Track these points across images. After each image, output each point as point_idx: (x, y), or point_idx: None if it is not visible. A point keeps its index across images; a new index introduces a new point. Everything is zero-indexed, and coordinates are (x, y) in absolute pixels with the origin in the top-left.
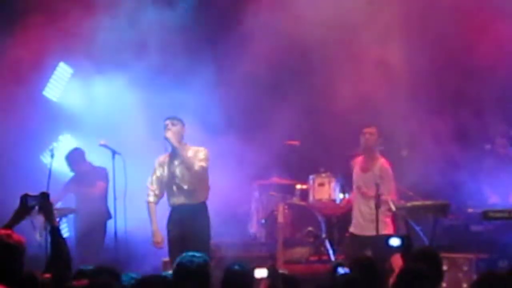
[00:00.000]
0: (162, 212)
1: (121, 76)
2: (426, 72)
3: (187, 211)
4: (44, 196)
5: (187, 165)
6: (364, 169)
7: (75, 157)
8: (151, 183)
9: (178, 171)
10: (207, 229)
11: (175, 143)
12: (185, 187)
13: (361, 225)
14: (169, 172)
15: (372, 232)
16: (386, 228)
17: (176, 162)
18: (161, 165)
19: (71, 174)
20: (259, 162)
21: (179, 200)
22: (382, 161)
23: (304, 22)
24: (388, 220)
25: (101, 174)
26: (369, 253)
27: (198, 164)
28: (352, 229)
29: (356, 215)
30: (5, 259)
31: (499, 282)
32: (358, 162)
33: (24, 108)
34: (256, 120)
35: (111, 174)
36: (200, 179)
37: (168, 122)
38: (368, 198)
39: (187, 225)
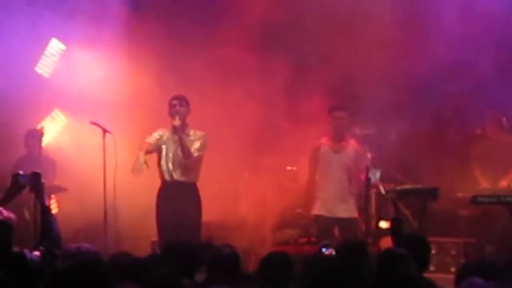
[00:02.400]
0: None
1: (113, 52)
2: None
3: (181, 189)
4: (36, 176)
5: (186, 155)
6: (337, 151)
7: None
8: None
9: (176, 150)
10: (199, 208)
11: (181, 134)
12: (181, 166)
13: (327, 207)
14: (170, 148)
15: (343, 214)
16: (355, 211)
17: (176, 141)
18: (162, 137)
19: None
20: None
21: (174, 176)
22: (354, 143)
23: None
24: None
25: None
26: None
27: (195, 153)
28: (319, 211)
29: (324, 196)
30: None
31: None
32: (325, 143)
33: (15, 84)
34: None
35: (101, 153)
36: (197, 161)
37: (175, 102)
38: (344, 179)
39: (182, 203)
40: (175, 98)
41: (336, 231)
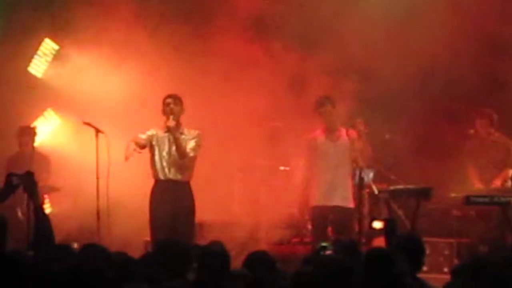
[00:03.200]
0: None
1: (106, 53)
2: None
3: (175, 188)
4: (29, 176)
5: (181, 155)
6: (333, 140)
7: None
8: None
9: (170, 148)
10: (193, 207)
11: (176, 134)
12: (175, 164)
13: (324, 194)
14: (163, 147)
15: (339, 202)
16: (352, 202)
17: (170, 140)
18: (154, 136)
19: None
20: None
21: (168, 175)
22: (347, 131)
23: None
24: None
25: None
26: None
27: (190, 153)
28: (315, 203)
29: (320, 184)
30: None
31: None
32: (321, 134)
33: (8, 84)
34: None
35: (94, 153)
36: (191, 161)
37: (170, 100)
38: (339, 168)
39: (175, 202)
40: (169, 96)
41: (329, 229)
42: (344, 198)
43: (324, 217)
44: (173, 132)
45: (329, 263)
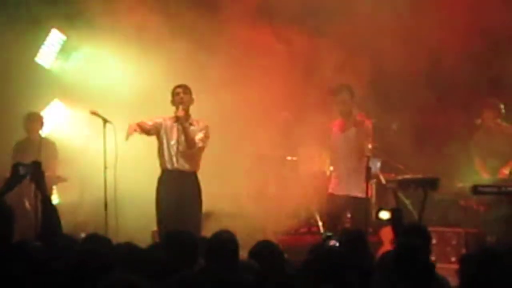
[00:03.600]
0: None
1: (114, 43)
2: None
3: (182, 178)
4: (36, 165)
5: (189, 145)
6: (343, 130)
7: None
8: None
9: (179, 138)
10: (200, 197)
11: (186, 124)
12: (183, 154)
13: (337, 184)
14: (171, 136)
15: (356, 193)
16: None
17: (179, 130)
18: (162, 124)
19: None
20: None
21: (175, 165)
22: (357, 117)
23: None
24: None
25: None
26: (348, 214)
27: (198, 143)
28: (331, 190)
29: (337, 175)
30: None
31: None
32: (336, 124)
33: (16, 74)
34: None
35: (101, 143)
36: (199, 152)
37: (180, 90)
38: (354, 157)
39: (183, 192)
40: (179, 86)
41: (347, 214)
42: (358, 188)
43: (337, 206)
44: (183, 121)
45: (326, 254)
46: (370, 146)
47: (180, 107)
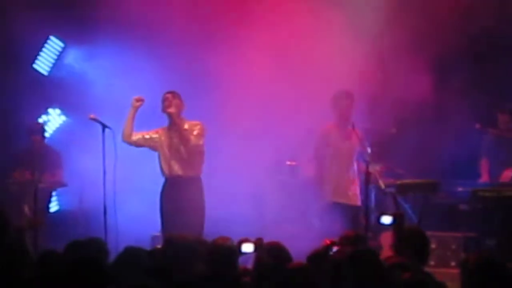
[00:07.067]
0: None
1: (112, 50)
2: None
3: (182, 183)
4: None
5: (184, 141)
6: (343, 138)
7: None
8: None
9: (175, 143)
10: (202, 202)
11: (177, 119)
12: (181, 159)
13: (333, 191)
14: (166, 144)
15: (346, 200)
16: (359, 199)
17: (174, 135)
18: (158, 133)
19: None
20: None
21: (175, 171)
22: (356, 130)
23: None
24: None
25: None
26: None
27: (193, 140)
28: (325, 198)
29: (329, 181)
30: None
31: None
32: (332, 130)
33: (13, 81)
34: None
35: (101, 149)
36: (196, 153)
37: (169, 95)
38: (349, 165)
39: (182, 197)
40: (168, 92)
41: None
42: (354, 196)
43: (332, 213)
44: (174, 117)
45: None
46: (369, 150)
47: (172, 107)
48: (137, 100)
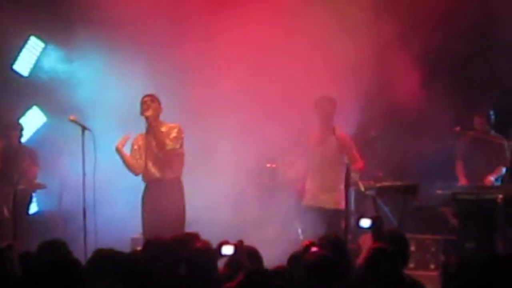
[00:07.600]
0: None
1: (94, 50)
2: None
3: (162, 187)
4: None
5: (160, 146)
6: (322, 140)
7: None
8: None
9: (153, 147)
10: (182, 204)
11: (154, 123)
12: (160, 162)
13: (316, 196)
14: (145, 148)
15: (329, 206)
16: (342, 203)
17: (152, 139)
18: (137, 142)
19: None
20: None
21: (154, 175)
22: (338, 131)
23: None
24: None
25: None
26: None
27: (169, 144)
28: (305, 202)
29: (311, 186)
30: None
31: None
32: (313, 135)
33: None
34: None
35: (80, 150)
36: (173, 156)
37: (147, 99)
38: (328, 169)
39: (162, 199)
40: (146, 95)
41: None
42: (334, 200)
43: (312, 217)
44: (151, 121)
45: (316, 259)
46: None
47: (150, 110)
48: (122, 145)
